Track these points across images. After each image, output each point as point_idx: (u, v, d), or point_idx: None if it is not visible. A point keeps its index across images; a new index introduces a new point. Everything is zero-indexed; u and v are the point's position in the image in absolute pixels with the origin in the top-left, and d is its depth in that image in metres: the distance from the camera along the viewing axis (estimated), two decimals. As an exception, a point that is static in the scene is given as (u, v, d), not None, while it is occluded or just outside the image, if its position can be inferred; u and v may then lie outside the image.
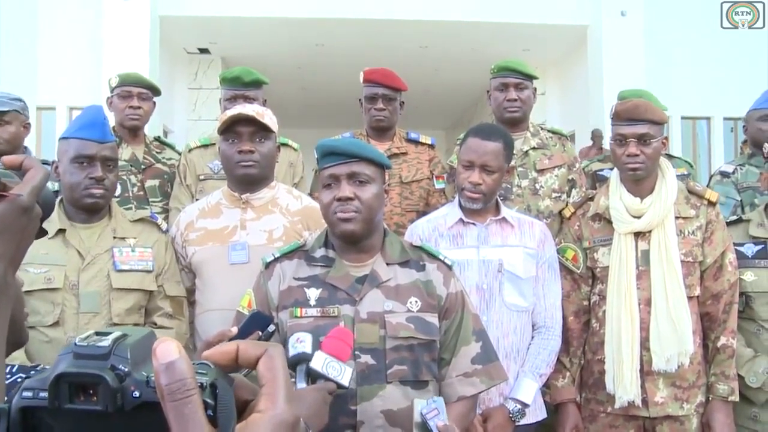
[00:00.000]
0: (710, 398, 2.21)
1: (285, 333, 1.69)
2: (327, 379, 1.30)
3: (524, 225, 2.24)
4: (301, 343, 1.34)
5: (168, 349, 0.41)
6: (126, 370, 0.42)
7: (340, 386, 1.30)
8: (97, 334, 0.44)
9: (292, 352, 1.33)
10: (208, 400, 0.42)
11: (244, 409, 0.45)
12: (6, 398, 0.45)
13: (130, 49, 7.30)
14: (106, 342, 0.43)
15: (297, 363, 1.30)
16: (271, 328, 1.62)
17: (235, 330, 1.64)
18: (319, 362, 1.30)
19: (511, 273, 2.16)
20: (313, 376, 1.30)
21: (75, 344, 0.43)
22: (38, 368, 1.80)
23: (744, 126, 3.36)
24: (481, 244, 2.18)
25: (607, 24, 8.06)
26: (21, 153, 2.93)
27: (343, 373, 1.29)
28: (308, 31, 8.41)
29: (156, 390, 0.41)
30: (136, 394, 0.42)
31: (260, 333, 1.62)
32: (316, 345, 1.34)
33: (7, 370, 1.76)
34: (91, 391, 0.42)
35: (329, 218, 1.74)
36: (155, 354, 0.41)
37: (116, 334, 0.44)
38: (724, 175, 3.19)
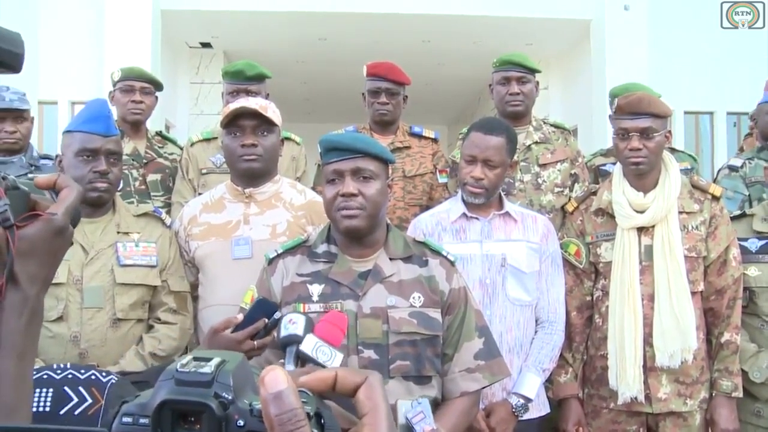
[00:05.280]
0: (714, 394, 2.20)
1: None
2: (316, 363, 1.29)
3: (527, 219, 2.23)
4: (293, 324, 1.33)
5: (277, 379, 0.40)
6: (230, 398, 0.42)
7: None
8: (196, 359, 0.44)
9: (283, 332, 1.32)
10: (315, 431, 0.41)
11: None
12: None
13: (132, 43, 7.28)
14: (209, 368, 0.43)
15: (287, 344, 1.29)
16: (277, 315, 1.61)
17: (240, 317, 1.63)
18: (310, 346, 1.29)
19: (515, 267, 2.16)
20: (302, 359, 1.30)
21: (176, 370, 0.43)
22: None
23: (753, 119, 3.34)
24: (485, 238, 2.18)
25: (611, 18, 8.03)
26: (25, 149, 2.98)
27: (333, 359, 1.29)
28: (311, 25, 8.39)
29: (262, 419, 0.40)
30: (241, 422, 0.42)
31: (266, 320, 1.60)
32: (309, 328, 1.33)
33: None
34: (193, 419, 0.42)
35: (333, 214, 1.74)
36: (263, 383, 0.40)
37: (217, 360, 0.44)
38: (732, 169, 3.17)
